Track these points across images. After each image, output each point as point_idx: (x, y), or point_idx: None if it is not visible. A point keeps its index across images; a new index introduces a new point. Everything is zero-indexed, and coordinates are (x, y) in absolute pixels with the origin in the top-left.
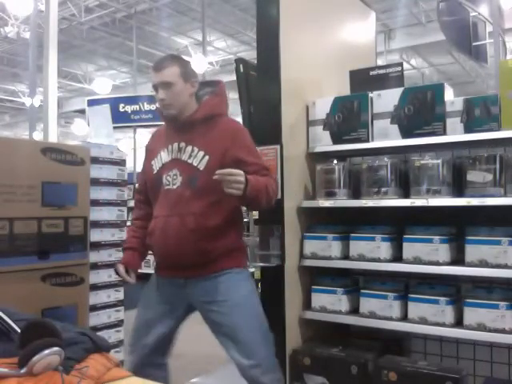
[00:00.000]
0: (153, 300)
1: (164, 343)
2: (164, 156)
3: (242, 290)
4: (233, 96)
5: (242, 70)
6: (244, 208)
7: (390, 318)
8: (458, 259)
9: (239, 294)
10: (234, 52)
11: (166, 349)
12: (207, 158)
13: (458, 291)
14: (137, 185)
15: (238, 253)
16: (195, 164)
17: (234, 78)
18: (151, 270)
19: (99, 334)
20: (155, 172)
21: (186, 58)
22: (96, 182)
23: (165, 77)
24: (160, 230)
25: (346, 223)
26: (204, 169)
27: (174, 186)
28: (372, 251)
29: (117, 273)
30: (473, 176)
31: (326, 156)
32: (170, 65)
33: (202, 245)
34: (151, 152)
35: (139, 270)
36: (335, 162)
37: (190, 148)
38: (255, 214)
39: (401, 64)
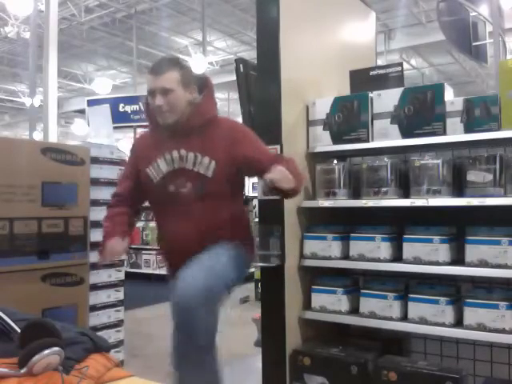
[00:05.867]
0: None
1: None
2: (163, 165)
3: (222, 253)
4: (233, 96)
5: (242, 69)
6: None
7: (390, 318)
8: (458, 259)
9: (216, 254)
10: (234, 52)
11: None
12: (214, 163)
13: (457, 291)
14: (117, 189)
15: (236, 232)
16: (202, 172)
17: (233, 78)
18: (151, 271)
19: (99, 333)
20: (156, 182)
21: (185, 57)
22: (96, 182)
23: (164, 82)
24: (172, 239)
25: (346, 223)
26: (212, 175)
27: (184, 197)
28: (372, 251)
29: (103, 254)
30: (473, 176)
31: (326, 156)
32: (170, 70)
33: (210, 240)
34: (143, 158)
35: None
36: (335, 162)
37: (192, 155)
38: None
39: (401, 64)
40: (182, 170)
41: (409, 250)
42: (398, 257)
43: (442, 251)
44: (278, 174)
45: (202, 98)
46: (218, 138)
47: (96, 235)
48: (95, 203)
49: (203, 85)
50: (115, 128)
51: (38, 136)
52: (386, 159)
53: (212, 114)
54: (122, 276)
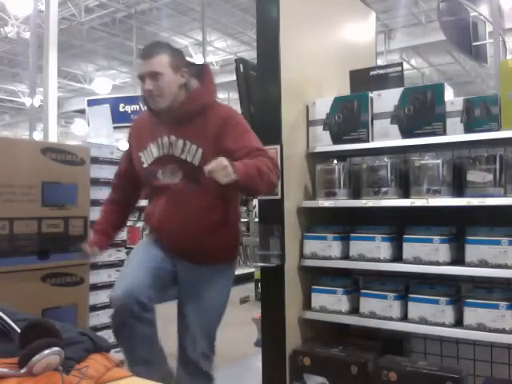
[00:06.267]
0: (153, 245)
1: (161, 284)
2: (154, 150)
3: (222, 290)
4: (233, 96)
5: (242, 69)
6: (244, 208)
7: (390, 318)
8: (458, 259)
9: (219, 293)
10: (234, 52)
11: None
12: (200, 151)
13: (458, 291)
14: (117, 170)
15: (231, 248)
16: (189, 160)
17: (233, 78)
18: None
19: (99, 334)
20: (146, 166)
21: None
22: (96, 182)
23: (153, 66)
24: (160, 225)
25: (346, 223)
26: (199, 164)
27: (172, 184)
28: (372, 251)
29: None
30: (473, 176)
31: (326, 156)
32: (159, 53)
33: (202, 238)
34: (138, 141)
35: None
36: (335, 162)
37: (181, 142)
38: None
39: (401, 64)
40: (170, 157)
41: (409, 249)
42: (398, 257)
43: (442, 251)
44: (215, 165)
45: (198, 85)
46: (209, 126)
47: None
48: (95, 203)
49: (201, 72)
50: (115, 128)
51: (38, 136)
52: (385, 159)
53: (206, 101)
54: None
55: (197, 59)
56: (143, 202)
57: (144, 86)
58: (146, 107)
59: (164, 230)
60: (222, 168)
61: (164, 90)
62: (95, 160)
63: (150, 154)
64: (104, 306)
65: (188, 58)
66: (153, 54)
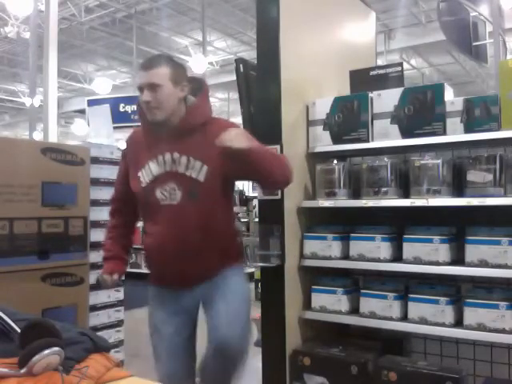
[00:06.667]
0: (165, 316)
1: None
2: (154, 167)
3: (238, 286)
4: (233, 96)
5: (242, 69)
6: (244, 208)
7: (390, 318)
8: (458, 259)
9: (237, 290)
10: (234, 52)
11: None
12: (206, 168)
13: (458, 291)
14: (113, 194)
15: (235, 252)
16: (194, 176)
17: (233, 78)
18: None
19: (99, 333)
20: (144, 185)
21: (185, 57)
22: (96, 182)
23: (152, 78)
24: (160, 247)
25: (346, 223)
26: (205, 180)
27: (174, 202)
28: (372, 251)
29: (102, 282)
30: (473, 176)
31: (326, 156)
32: (159, 65)
33: (206, 256)
34: (135, 160)
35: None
36: (335, 162)
37: (185, 159)
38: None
39: (401, 64)
40: (172, 174)
41: (409, 250)
42: (398, 257)
43: (442, 251)
44: (230, 133)
45: (197, 99)
46: (211, 140)
47: (96, 235)
48: (95, 203)
49: (200, 87)
50: (115, 128)
51: (38, 136)
52: (386, 159)
53: (207, 116)
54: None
55: (197, 59)
56: None
57: (142, 96)
58: (143, 122)
59: (165, 256)
60: (236, 135)
61: (162, 103)
62: (95, 160)
63: (148, 172)
64: (104, 306)
65: (187, 58)
66: (153, 65)
